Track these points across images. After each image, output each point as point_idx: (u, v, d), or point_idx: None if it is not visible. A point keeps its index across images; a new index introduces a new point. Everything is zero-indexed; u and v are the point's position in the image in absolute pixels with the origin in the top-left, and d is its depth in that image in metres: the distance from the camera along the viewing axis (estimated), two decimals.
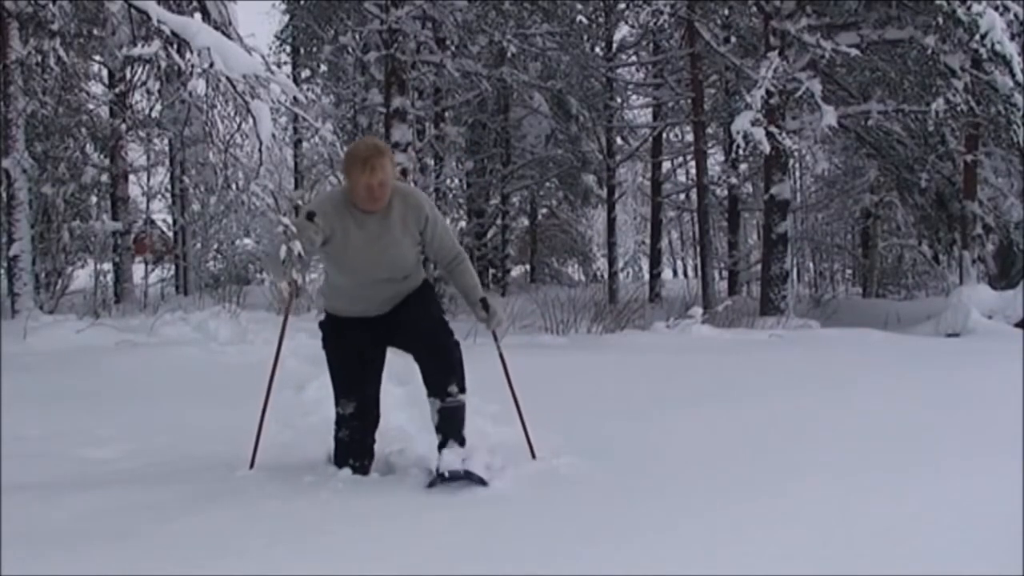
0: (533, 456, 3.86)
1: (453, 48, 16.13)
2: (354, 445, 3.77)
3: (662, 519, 3.16)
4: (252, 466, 3.78)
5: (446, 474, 3.43)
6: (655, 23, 17.31)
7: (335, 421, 3.81)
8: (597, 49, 19.98)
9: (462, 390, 3.63)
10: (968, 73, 11.55)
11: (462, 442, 3.61)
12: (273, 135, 9.89)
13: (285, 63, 21.60)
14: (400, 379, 5.20)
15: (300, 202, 3.74)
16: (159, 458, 4.15)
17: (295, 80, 18.55)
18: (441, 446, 3.59)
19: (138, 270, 18.15)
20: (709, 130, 19.17)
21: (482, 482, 3.43)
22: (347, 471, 3.72)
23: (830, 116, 11.92)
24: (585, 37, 19.30)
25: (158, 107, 14.49)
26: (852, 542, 2.94)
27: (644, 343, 8.96)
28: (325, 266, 3.86)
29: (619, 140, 21.26)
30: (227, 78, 9.00)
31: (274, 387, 3.90)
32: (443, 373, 3.61)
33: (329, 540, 2.95)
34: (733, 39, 16.69)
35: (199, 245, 19.86)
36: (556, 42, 17.86)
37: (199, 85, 9.17)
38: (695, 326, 9.72)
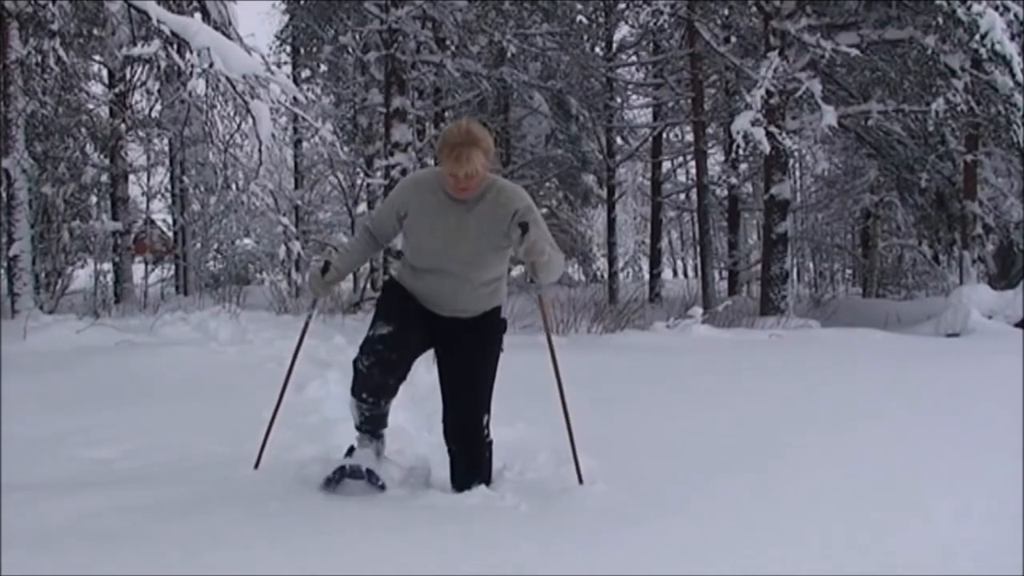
0: (580, 480, 3.57)
1: (453, 48, 16.14)
2: (369, 380, 3.43)
3: (663, 519, 3.16)
4: (257, 466, 3.77)
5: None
6: (655, 23, 17.31)
7: (360, 349, 3.45)
8: (597, 49, 19.98)
9: (486, 483, 3.52)
10: (968, 73, 11.55)
11: None
12: (273, 135, 9.91)
13: (285, 63, 21.59)
14: None
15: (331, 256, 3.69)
16: (159, 458, 4.15)
17: (295, 80, 18.55)
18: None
19: (138, 270, 18.16)
20: (709, 130, 19.17)
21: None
22: (363, 405, 3.51)
23: (830, 116, 11.92)
24: (585, 37, 19.29)
25: (158, 107, 14.52)
26: (853, 541, 2.94)
27: (644, 343, 8.95)
28: (404, 243, 3.65)
29: (619, 140, 21.26)
30: (227, 78, 9.02)
31: (279, 388, 3.89)
32: (469, 475, 3.49)
33: (329, 540, 2.95)
34: (733, 39, 16.68)
35: (199, 245, 19.88)
36: (556, 42, 17.86)
37: (199, 85, 9.19)
38: (695, 326, 9.72)
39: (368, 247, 3.77)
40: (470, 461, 3.51)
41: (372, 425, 3.59)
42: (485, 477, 3.52)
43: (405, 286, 3.61)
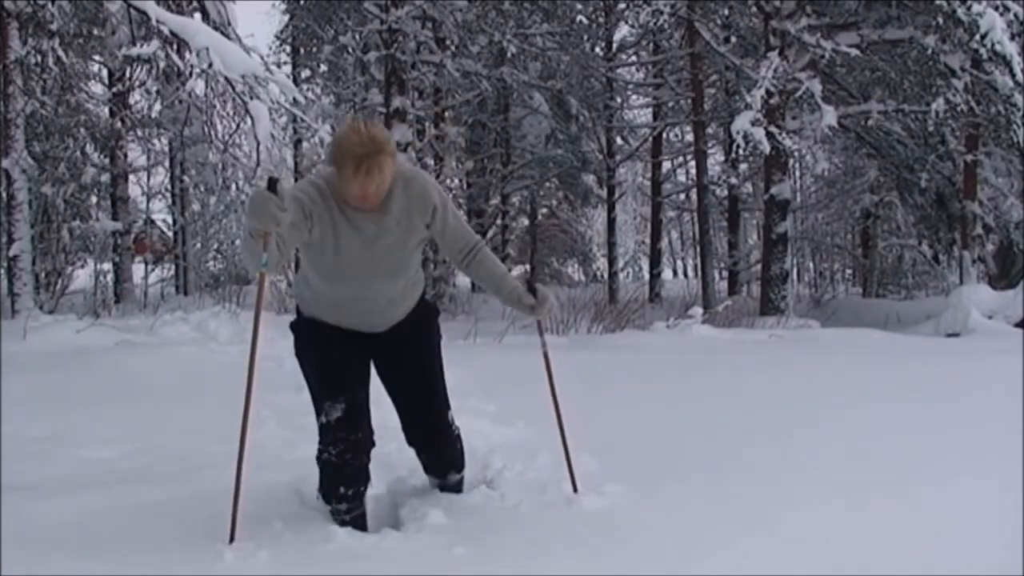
0: (575, 490, 3.39)
1: (453, 48, 16.14)
2: (345, 468, 3.03)
3: (663, 518, 3.16)
4: (232, 540, 2.92)
5: None
6: (655, 23, 17.31)
7: (319, 440, 3.05)
8: (597, 49, 20.00)
9: (462, 468, 3.41)
10: (968, 73, 11.56)
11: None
12: (272, 135, 9.91)
13: (285, 63, 21.62)
14: None
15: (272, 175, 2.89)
16: (159, 458, 4.14)
17: (295, 80, 18.56)
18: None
19: (138, 270, 18.15)
20: (709, 130, 19.18)
21: None
22: (341, 506, 3.08)
23: (830, 116, 11.93)
24: (585, 37, 19.32)
25: (158, 107, 14.51)
26: (853, 541, 2.94)
27: (644, 343, 8.95)
28: (307, 270, 3.07)
29: (619, 140, 21.28)
30: (226, 78, 9.03)
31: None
32: (445, 471, 3.38)
33: (328, 541, 2.95)
34: (733, 39, 16.69)
35: (199, 245, 19.87)
36: (556, 42, 17.88)
37: (198, 85, 9.20)
38: (695, 326, 9.71)
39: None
40: (444, 461, 3.38)
41: (356, 528, 3.10)
42: (460, 462, 3.40)
43: (326, 320, 3.12)
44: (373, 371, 3.23)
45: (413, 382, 3.24)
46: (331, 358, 3.08)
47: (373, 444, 3.10)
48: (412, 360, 3.22)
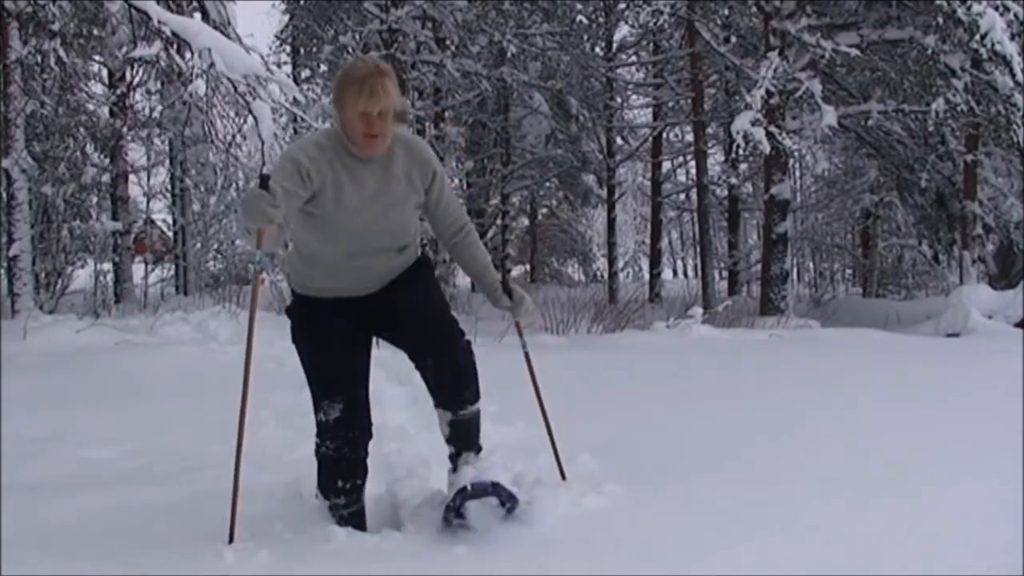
0: (563, 477, 3.44)
1: (453, 48, 16.16)
2: (343, 462, 3.06)
3: (663, 519, 3.16)
4: (231, 540, 2.90)
5: (468, 488, 3.01)
6: (655, 23, 17.34)
7: (316, 434, 3.08)
8: (597, 49, 20.02)
9: (477, 397, 3.15)
10: (968, 73, 11.57)
11: (478, 451, 3.20)
12: (275, 135, 9.92)
13: (285, 63, 21.63)
14: (400, 379, 5.19)
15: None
16: (159, 458, 4.15)
17: (295, 80, 18.53)
18: (455, 456, 3.18)
19: (138, 270, 18.14)
20: (709, 130, 19.19)
21: (512, 497, 3.02)
22: (339, 500, 3.09)
23: (830, 116, 11.93)
24: (585, 37, 19.34)
25: (158, 107, 14.51)
26: (853, 541, 2.94)
27: (644, 343, 8.95)
28: (301, 231, 3.01)
29: (619, 140, 21.29)
30: (228, 79, 9.04)
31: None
32: (456, 384, 3.09)
33: (328, 541, 2.95)
34: (733, 39, 16.71)
35: (199, 245, 19.85)
36: (556, 42, 17.89)
37: (200, 86, 9.21)
38: (695, 326, 9.71)
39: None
40: (452, 367, 3.06)
41: (355, 524, 3.11)
42: (474, 385, 3.12)
43: (316, 295, 3.09)
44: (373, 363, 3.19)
45: (414, 305, 3.08)
46: (330, 354, 3.06)
47: (371, 436, 3.12)
48: (410, 294, 3.09)
